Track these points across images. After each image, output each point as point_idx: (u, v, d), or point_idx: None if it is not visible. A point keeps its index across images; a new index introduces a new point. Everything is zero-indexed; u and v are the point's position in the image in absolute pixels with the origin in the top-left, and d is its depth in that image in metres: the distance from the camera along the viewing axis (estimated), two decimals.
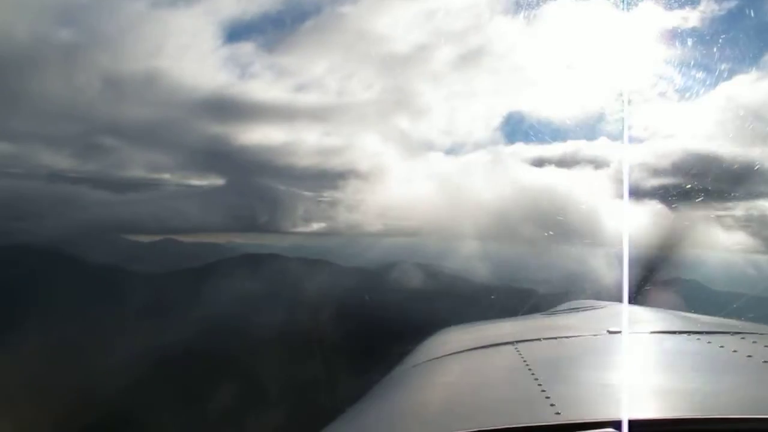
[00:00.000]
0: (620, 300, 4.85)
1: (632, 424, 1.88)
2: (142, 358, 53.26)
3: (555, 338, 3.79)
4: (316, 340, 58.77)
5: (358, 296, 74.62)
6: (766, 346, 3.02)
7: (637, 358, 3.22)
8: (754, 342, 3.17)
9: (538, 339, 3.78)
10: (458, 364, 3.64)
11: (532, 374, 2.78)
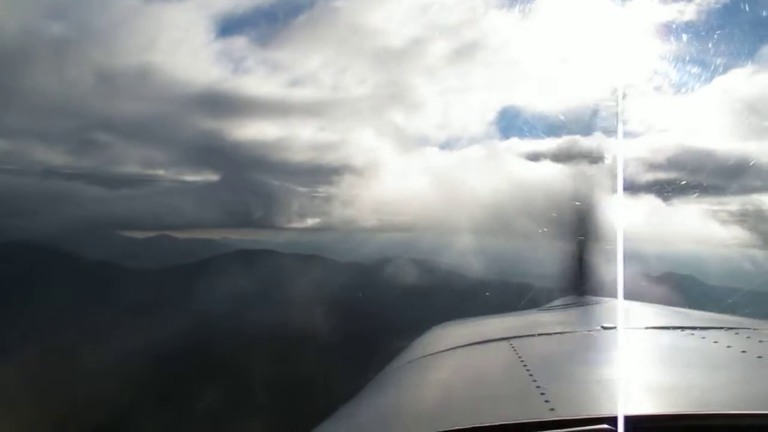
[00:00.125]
0: (614, 295, 4.86)
1: (627, 419, 1.87)
2: (136, 354, 53.15)
3: (550, 334, 3.79)
4: (310, 336, 58.84)
5: (353, 292, 74.73)
6: (760, 342, 3.02)
7: (632, 353, 3.22)
8: (748, 337, 3.18)
9: (533, 335, 3.77)
10: (453, 360, 3.63)
11: (527, 370, 2.78)
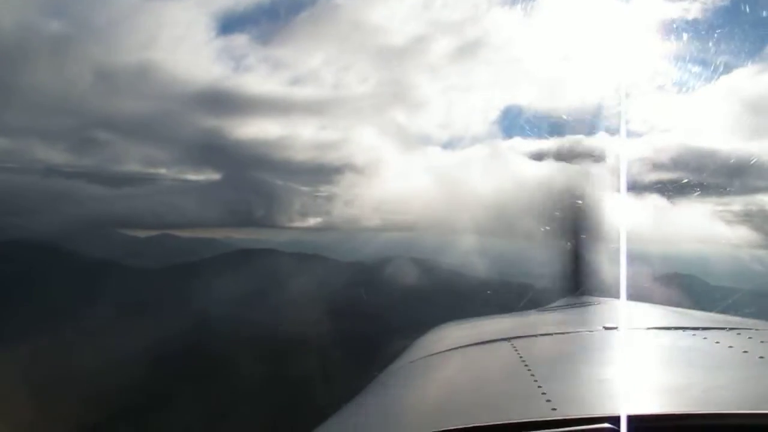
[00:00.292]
0: (617, 296, 4.86)
1: (629, 419, 1.88)
2: (138, 353, 53.23)
3: (551, 334, 3.79)
4: (312, 335, 58.86)
5: (355, 291, 74.71)
6: (762, 342, 3.02)
7: (633, 354, 3.22)
8: (750, 338, 3.17)
9: (535, 335, 3.77)
10: (454, 360, 3.63)
11: (529, 370, 2.78)
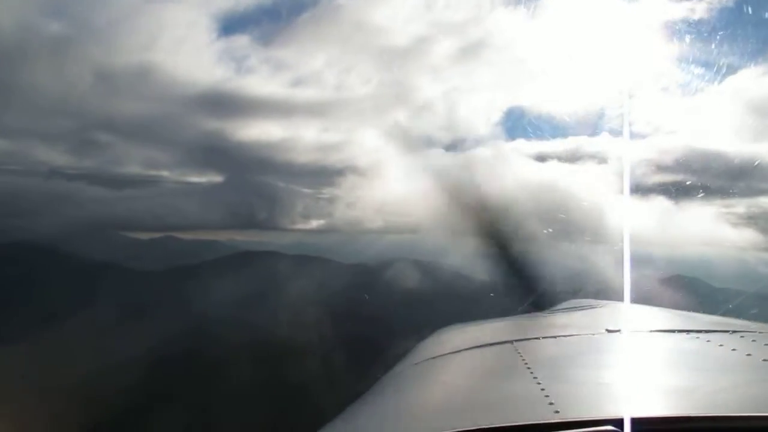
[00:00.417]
0: (619, 299, 4.85)
1: (632, 422, 1.88)
2: (139, 355, 53.26)
3: (554, 337, 3.79)
4: (314, 338, 58.83)
5: (358, 294, 74.67)
6: (765, 345, 3.02)
7: (636, 357, 3.22)
8: (753, 340, 3.17)
9: (537, 338, 3.78)
10: (457, 362, 3.64)
11: (531, 373, 2.78)
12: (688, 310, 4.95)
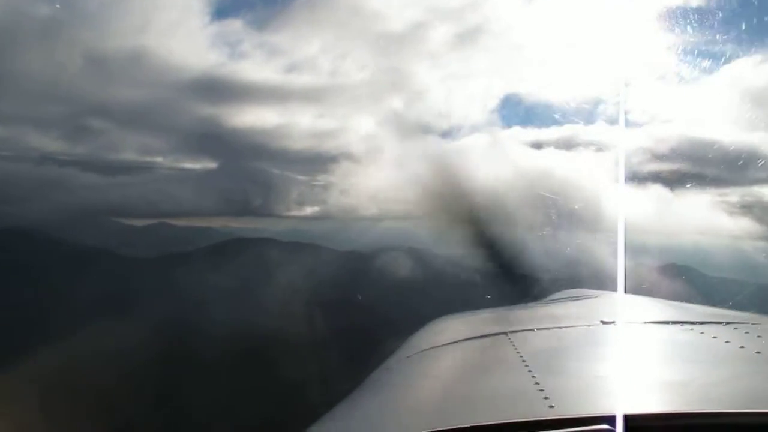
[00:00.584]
0: (614, 289, 4.85)
1: (626, 418, 1.87)
2: (133, 343, 53.26)
3: (548, 328, 3.79)
4: (307, 326, 58.99)
5: (352, 282, 74.83)
6: (759, 337, 3.02)
7: (630, 349, 3.22)
8: (746, 332, 3.17)
9: (532, 329, 3.77)
10: (451, 355, 3.63)
11: (526, 366, 2.77)
12: (682, 300, 4.96)
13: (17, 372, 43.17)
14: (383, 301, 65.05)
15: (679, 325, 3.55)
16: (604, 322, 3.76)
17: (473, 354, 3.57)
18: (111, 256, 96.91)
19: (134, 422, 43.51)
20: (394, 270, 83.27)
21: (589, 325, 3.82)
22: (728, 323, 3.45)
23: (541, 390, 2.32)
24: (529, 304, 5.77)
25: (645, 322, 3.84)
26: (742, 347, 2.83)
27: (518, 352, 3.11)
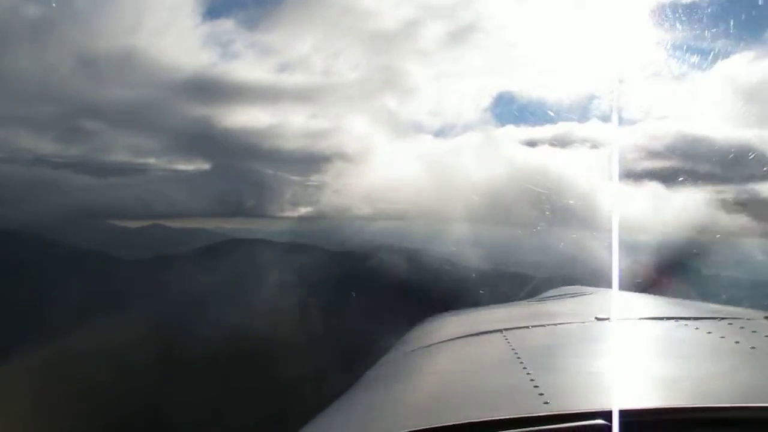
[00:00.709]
0: (609, 286, 4.86)
1: (621, 413, 1.86)
2: (127, 345, 53.07)
3: (543, 326, 3.79)
4: (303, 326, 58.96)
5: (346, 281, 74.78)
6: (753, 332, 3.02)
7: (625, 345, 3.22)
8: (741, 327, 3.18)
9: (527, 327, 3.77)
10: (446, 352, 3.63)
11: (521, 363, 2.77)
12: (678, 297, 4.98)
13: (13, 372, 42.98)
14: (378, 300, 65.04)
15: (674, 321, 3.56)
16: (598, 319, 3.77)
17: (468, 351, 3.57)
18: (105, 257, 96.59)
19: (128, 422, 43.34)
20: (387, 269, 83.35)
21: (583, 322, 3.82)
22: (723, 319, 3.46)
23: (537, 386, 2.32)
24: (524, 302, 5.78)
25: (640, 319, 3.84)
26: (737, 342, 2.84)
27: (513, 349, 3.10)
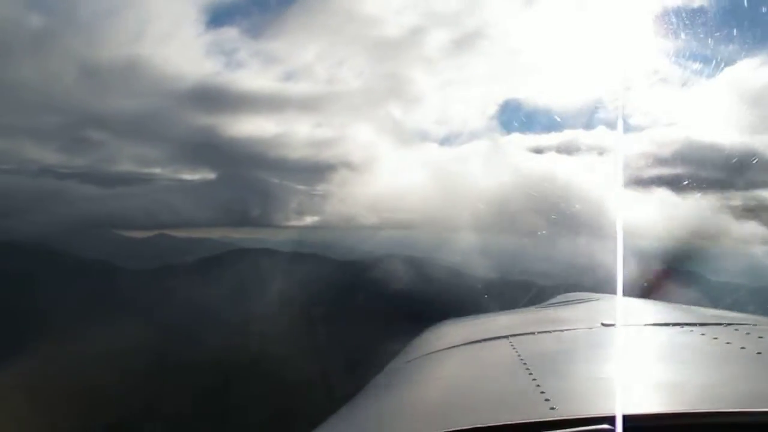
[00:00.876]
0: (614, 292, 4.85)
1: (627, 418, 1.87)
2: (133, 355, 53.11)
3: (549, 332, 3.79)
4: (309, 335, 58.85)
5: (352, 290, 74.73)
6: (760, 338, 3.02)
7: (631, 351, 3.22)
8: (747, 333, 3.17)
9: (533, 333, 3.77)
10: (453, 358, 3.63)
11: (527, 369, 2.77)
12: (684, 304, 4.96)
13: (18, 380, 43.07)
14: (384, 309, 64.91)
15: (679, 327, 3.56)
16: (604, 325, 3.76)
17: (474, 357, 3.57)
18: (110, 267, 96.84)
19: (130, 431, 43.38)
20: (394, 278, 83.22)
21: (589, 328, 3.82)
22: (729, 324, 3.45)
23: (543, 392, 2.32)
24: (530, 308, 5.77)
25: (645, 325, 3.84)
26: (743, 348, 2.83)
27: (519, 355, 3.11)
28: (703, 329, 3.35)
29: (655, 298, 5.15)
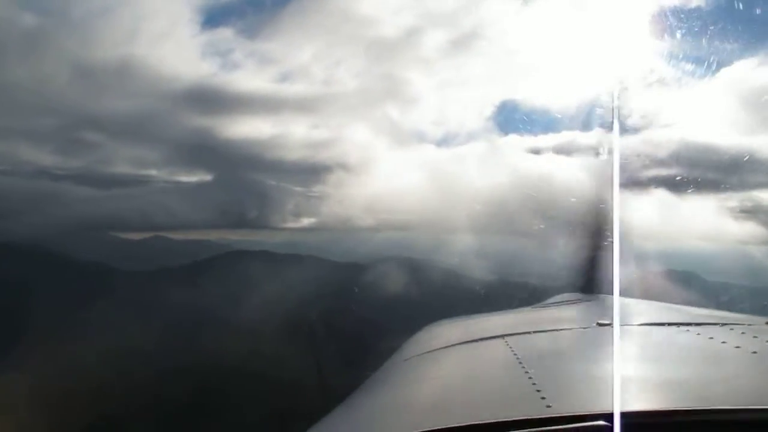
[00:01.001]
0: (610, 292, 4.86)
1: (623, 415, 1.87)
2: (129, 356, 53.02)
3: (545, 331, 3.78)
4: (306, 336, 58.84)
5: (349, 292, 74.73)
6: (755, 337, 3.02)
7: (627, 350, 3.22)
8: (742, 333, 3.17)
9: (528, 332, 3.77)
10: (448, 358, 3.62)
11: (523, 367, 2.77)
12: (680, 304, 4.96)
13: (14, 382, 42.95)
14: (381, 310, 64.96)
15: (675, 326, 3.56)
16: (600, 324, 3.76)
17: (470, 356, 3.56)
18: (106, 269, 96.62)
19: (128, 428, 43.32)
20: (391, 280, 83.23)
21: (585, 328, 3.82)
22: (724, 324, 3.46)
23: (539, 390, 2.32)
24: (526, 308, 5.77)
25: (641, 324, 3.84)
26: (738, 347, 2.84)
27: (515, 355, 3.10)
28: (699, 329, 3.36)
29: (651, 298, 5.15)
